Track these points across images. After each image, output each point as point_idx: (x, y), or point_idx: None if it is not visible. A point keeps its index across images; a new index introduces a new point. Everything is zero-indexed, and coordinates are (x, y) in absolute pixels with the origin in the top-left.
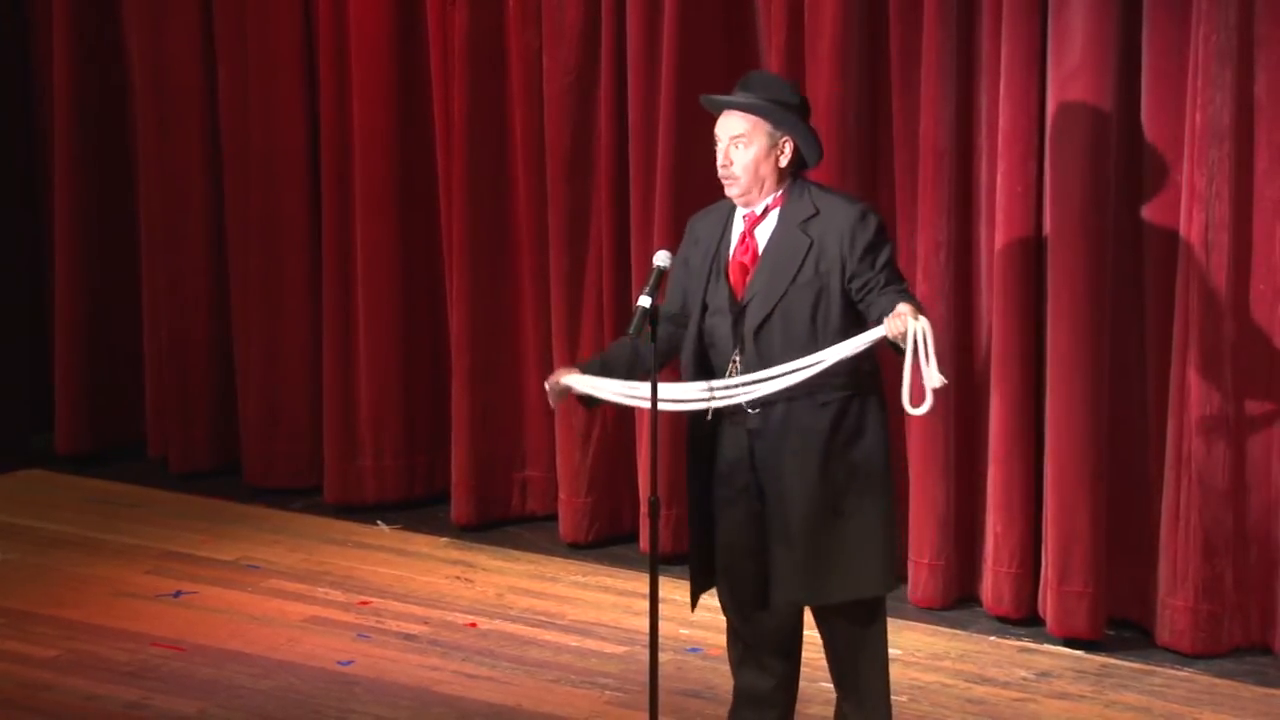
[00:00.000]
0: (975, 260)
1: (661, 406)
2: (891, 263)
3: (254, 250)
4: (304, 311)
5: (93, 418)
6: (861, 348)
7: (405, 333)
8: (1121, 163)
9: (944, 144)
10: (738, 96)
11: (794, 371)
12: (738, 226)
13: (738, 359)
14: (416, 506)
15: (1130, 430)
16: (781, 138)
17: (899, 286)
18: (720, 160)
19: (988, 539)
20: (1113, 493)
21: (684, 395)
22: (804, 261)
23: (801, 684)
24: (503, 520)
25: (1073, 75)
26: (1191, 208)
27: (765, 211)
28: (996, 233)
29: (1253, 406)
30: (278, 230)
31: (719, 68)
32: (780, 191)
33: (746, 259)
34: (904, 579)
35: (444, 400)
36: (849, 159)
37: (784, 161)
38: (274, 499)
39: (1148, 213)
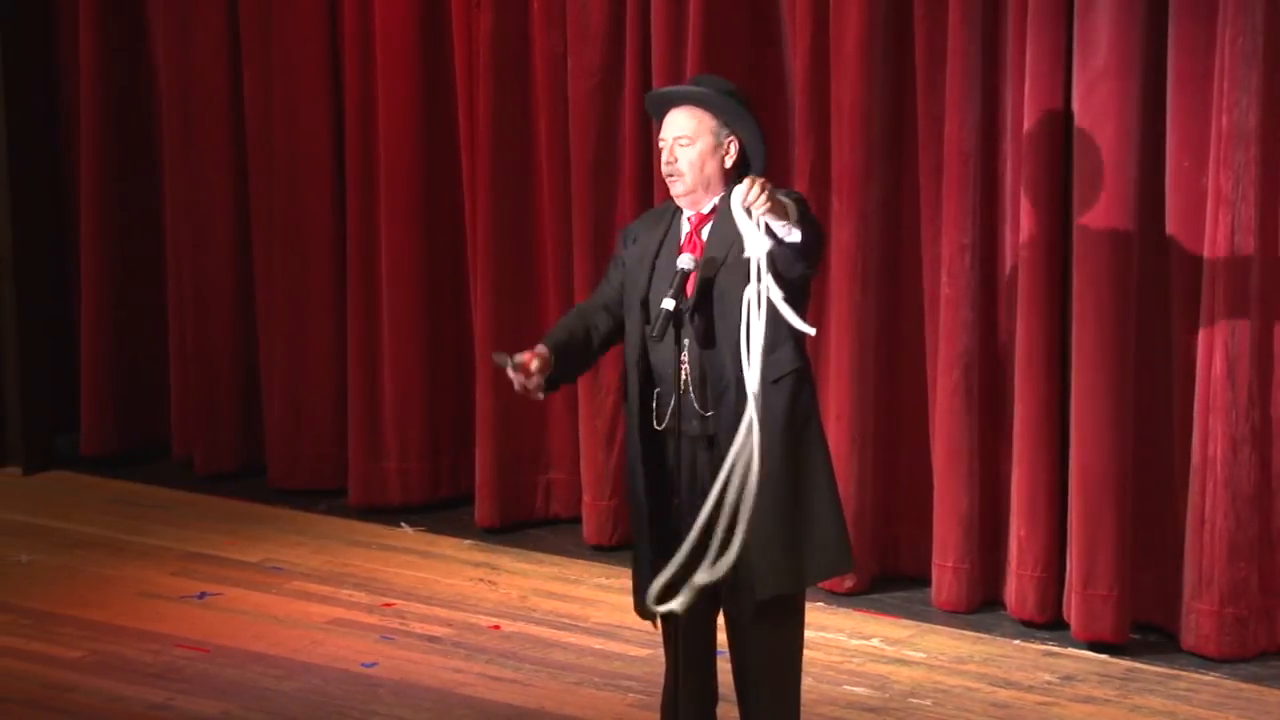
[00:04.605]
0: (1000, 262)
1: None
2: (797, 198)
3: (279, 252)
4: (329, 313)
5: (118, 419)
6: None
7: (429, 335)
8: (1147, 165)
9: (969, 146)
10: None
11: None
12: (683, 228)
13: (685, 358)
14: (440, 508)
15: (1155, 433)
16: (727, 137)
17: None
18: (665, 158)
19: (1012, 542)
20: (1137, 496)
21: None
22: (733, 245)
23: (812, 684)
24: (526, 522)
25: (1098, 77)
26: (1217, 210)
27: (713, 211)
28: (1021, 235)
29: (1278, 409)
30: (302, 233)
31: (743, 70)
32: (726, 191)
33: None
34: (928, 582)
35: (468, 402)
36: (874, 161)
37: (729, 161)
38: (298, 501)
39: (1173, 215)
